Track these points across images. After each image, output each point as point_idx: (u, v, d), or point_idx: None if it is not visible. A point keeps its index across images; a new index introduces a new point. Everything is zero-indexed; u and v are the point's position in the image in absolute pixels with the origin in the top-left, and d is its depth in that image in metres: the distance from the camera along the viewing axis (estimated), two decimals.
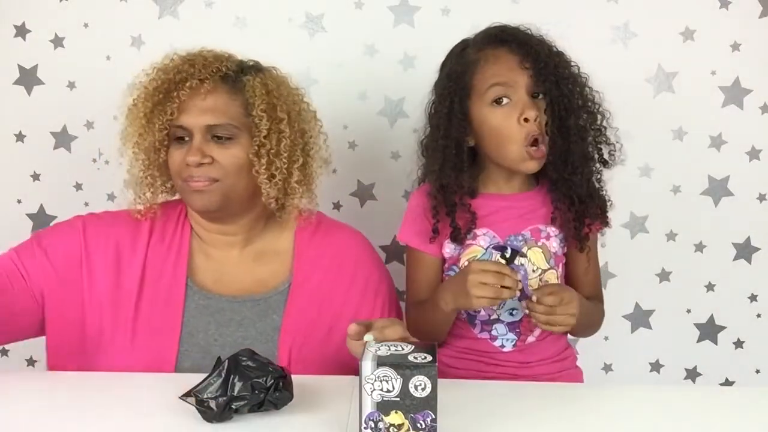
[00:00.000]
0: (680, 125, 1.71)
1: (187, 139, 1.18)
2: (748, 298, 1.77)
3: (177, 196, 1.28)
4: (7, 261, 1.20)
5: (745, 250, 1.76)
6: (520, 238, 1.16)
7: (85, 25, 1.67)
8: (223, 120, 1.17)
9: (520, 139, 1.25)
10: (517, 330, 1.35)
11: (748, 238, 1.75)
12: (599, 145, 1.32)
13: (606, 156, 1.33)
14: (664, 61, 1.68)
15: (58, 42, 1.68)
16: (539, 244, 1.34)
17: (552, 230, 1.34)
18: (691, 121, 1.70)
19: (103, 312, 1.19)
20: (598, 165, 1.32)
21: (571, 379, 1.39)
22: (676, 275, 1.76)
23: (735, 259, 1.76)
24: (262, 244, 1.28)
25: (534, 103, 1.26)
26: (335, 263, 1.27)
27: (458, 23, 1.65)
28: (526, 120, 1.24)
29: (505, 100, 1.26)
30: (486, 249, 1.31)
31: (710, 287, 1.77)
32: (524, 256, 1.30)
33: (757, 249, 1.75)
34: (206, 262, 1.25)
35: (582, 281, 1.40)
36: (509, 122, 1.25)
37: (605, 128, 1.32)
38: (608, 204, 1.36)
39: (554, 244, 1.34)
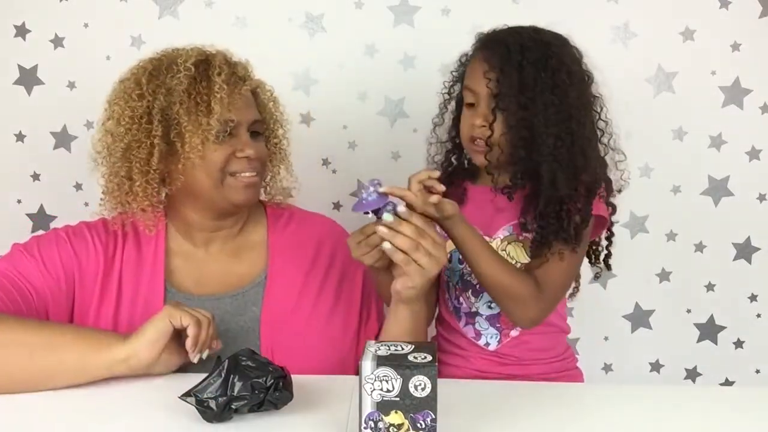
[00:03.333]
0: (680, 125, 1.71)
1: (227, 133, 1.19)
2: (748, 298, 1.77)
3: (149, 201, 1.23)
4: (8, 278, 1.16)
5: (745, 250, 1.76)
6: (376, 183, 1.10)
7: (85, 25, 1.67)
8: (259, 116, 1.25)
9: (465, 136, 1.31)
10: (498, 324, 1.35)
11: (748, 238, 1.75)
12: (560, 173, 1.25)
13: (569, 183, 1.26)
14: (664, 61, 1.69)
15: (58, 42, 1.68)
16: (521, 238, 1.34)
17: (527, 218, 1.32)
18: (691, 121, 1.70)
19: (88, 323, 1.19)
20: (550, 191, 1.25)
21: (571, 381, 1.39)
22: (676, 275, 1.77)
23: (735, 259, 1.76)
24: (240, 240, 1.29)
25: (494, 112, 1.26)
26: (311, 252, 1.29)
27: (458, 23, 1.66)
28: (473, 124, 1.28)
29: (473, 104, 1.29)
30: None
31: (710, 287, 1.77)
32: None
33: (757, 249, 1.75)
34: (184, 264, 1.25)
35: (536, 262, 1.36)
36: (465, 123, 1.30)
37: (577, 154, 1.26)
38: (572, 234, 1.27)
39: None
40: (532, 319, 1.28)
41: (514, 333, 1.35)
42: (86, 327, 1.16)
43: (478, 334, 1.36)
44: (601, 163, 1.32)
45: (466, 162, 1.39)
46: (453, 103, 1.37)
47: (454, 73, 1.37)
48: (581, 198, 1.29)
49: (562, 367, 1.39)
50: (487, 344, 1.36)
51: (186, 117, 1.15)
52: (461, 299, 1.36)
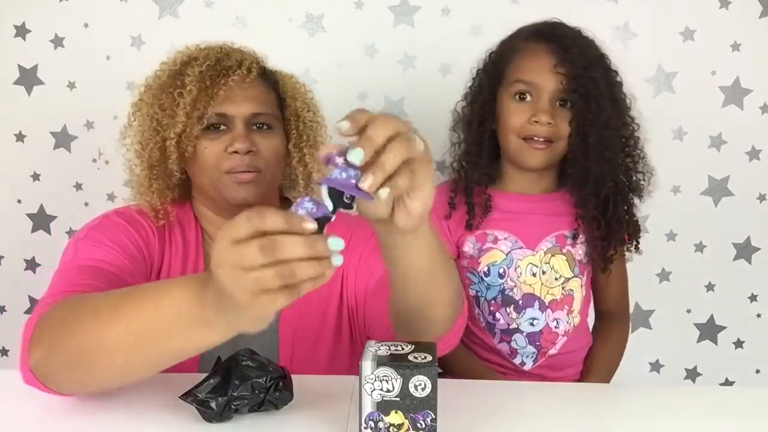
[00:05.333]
0: (680, 125, 1.71)
1: (223, 128, 1.14)
2: (748, 298, 1.77)
3: (164, 196, 1.20)
4: (93, 268, 1.04)
5: (745, 250, 1.76)
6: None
7: (85, 25, 1.67)
8: (265, 109, 1.17)
9: (519, 132, 1.26)
10: (537, 343, 1.33)
11: (748, 238, 1.75)
12: (629, 171, 1.29)
13: (634, 183, 1.30)
14: (664, 61, 1.68)
15: (58, 42, 1.68)
16: (564, 251, 1.32)
17: (579, 232, 1.32)
18: (691, 121, 1.70)
19: None
20: (625, 190, 1.30)
21: None
22: (676, 275, 1.77)
23: (735, 259, 1.76)
24: None
25: (554, 109, 1.24)
26: None
27: (458, 23, 1.66)
28: (536, 121, 1.23)
29: (528, 98, 1.25)
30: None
31: (710, 287, 1.77)
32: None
33: (757, 249, 1.75)
34: None
35: (602, 294, 1.39)
36: (520, 118, 1.25)
37: (636, 155, 1.29)
38: (636, 233, 1.34)
39: (580, 252, 1.33)
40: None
41: (552, 351, 1.34)
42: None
43: (514, 353, 1.33)
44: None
45: (483, 164, 1.32)
46: (480, 100, 1.31)
47: (488, 67, 1.32)
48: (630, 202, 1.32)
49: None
50: (523, 363, 1.33)
51: (161, 111, 1.14)
52: (498, 315, 1.33)
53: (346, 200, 0.71)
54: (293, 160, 1.21)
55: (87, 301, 0.89)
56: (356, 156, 0.69)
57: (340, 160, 0.70)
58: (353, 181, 0.70)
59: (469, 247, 1.33)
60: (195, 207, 1.24)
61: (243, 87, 1.15)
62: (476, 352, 1.36)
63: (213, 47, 1.19)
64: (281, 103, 1.22)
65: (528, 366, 1.33)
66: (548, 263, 1.31)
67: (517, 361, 1.33)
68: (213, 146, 1.14)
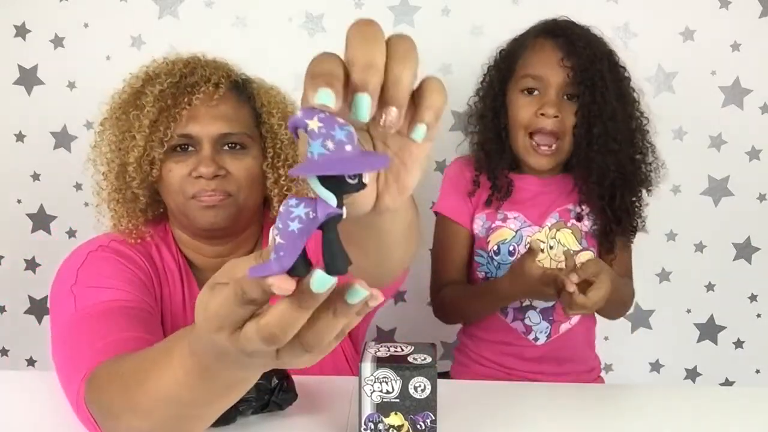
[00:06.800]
0: (680, 125, 1.71)
1: (191, 149, 1.06)
2: (748, 298, 1.77)
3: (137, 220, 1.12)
4: (109, 310, 0.95)
5: (745, 250, 1.76)
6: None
7: (85, 25, 1.67)
8: (237, 128, 1.08)
9: (526, 127, 1.27)
10: (551, 317, 1.33)
11: (748, 238, 1.75)
12: (635, 163, 1.31)
13: (642, 176, 1.32)
14: (664, 61, 1.68)
15: (58, 42, 1.68)
16: (569, 225, 1.33)
17: (584, 208, 1.33)
18: (691, 121, 1.70)
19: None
20: (633, 182, 1.31)
21: None
22: (676, 275, 1.77)
23: (735, 259, 1.76)
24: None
25: (561, 102, 1.26)
26: None
27: (458, 23, 1.66)
28: (543, 114, 1.25)
29: (535, 92, 1.27)
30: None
31: (710, 287, 1.77)
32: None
33: (757, 249, 1.75)
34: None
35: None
36: (527, 111, 1.27)
37: (643, 148, 1.31)
38: (641, 224, 1.36)
39: (586, 223, 1.34)
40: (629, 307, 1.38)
41: (564, 327, 1.34)
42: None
43: (528, 329, 1.34)
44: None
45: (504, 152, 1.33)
46: (491, 95, 1.33)
47: (499, 62, 1.33)
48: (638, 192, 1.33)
49: (587, 378, 1.38)
50: (536, 339, 1.34)
51: (120, 134, 1.08)
52: None
53: (350, 180, 0.45)
54: (268, 181, 1.11)
55: (119, 386, 0.75)
56: (327, 100, 0.44)
57: (314, 123, 0.44)
58: (351, 146, 0.44)
59: (477, 225, 1.34)
60: (171, 229, 1.16)
61: (210, 105, 1.06)
62: (489, 334, 1.37)
63: (180, 61, 1.10)
64: (258, 118, 1.12)
65: (541, 341, 1.33)
66: (554, 238, 1.32)
67: (531, 337, 1.34)
68: (178, 169, 1.06)
